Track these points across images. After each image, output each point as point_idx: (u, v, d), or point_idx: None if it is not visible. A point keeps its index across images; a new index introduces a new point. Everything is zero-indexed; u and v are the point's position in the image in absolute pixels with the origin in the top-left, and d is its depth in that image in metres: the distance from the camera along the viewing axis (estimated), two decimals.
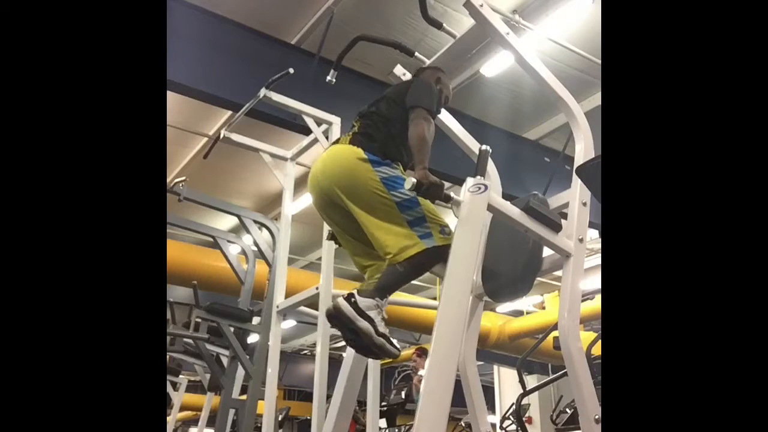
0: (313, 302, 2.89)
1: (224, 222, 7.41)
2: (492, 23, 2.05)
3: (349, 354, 2.13)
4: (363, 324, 1.77)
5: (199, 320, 4.05)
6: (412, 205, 1.91)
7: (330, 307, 1.82)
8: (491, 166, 2.41)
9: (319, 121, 3.34)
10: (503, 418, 6.17)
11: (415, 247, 1.85)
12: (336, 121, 3.33)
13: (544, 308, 9.82)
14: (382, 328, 1.80)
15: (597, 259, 7.15)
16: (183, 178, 4.07)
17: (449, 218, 1.85)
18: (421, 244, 1.85)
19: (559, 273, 2.01)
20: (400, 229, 1.88)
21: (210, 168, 6.25)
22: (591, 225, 2.10)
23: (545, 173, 5.96)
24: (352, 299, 1.79)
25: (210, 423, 5.37)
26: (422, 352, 6.47)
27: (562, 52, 5.07)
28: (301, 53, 5.05)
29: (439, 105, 2.12)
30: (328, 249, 2.84)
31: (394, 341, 1.82)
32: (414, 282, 2.11)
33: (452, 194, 1.72)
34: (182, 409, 7.27)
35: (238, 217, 4.31)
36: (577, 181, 2.06)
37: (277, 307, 3.09)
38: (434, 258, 1.89)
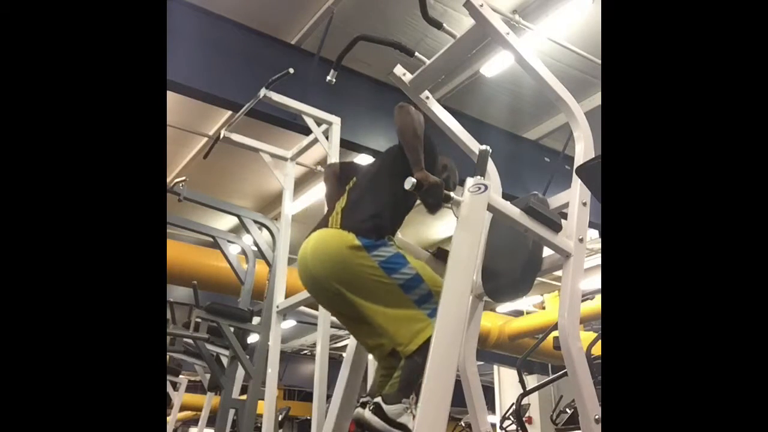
0: (313, 302, 2.89)
1: (224, 222, 7.41)
2: (492, 23, 2.05)
3: (349, 354, 2.13)
4: None
5: (199, 320, 4.05)
6: (417, 284, 1.86)
7: (356, 419, 1.73)
8: (491, 166, 2.40)
9: (319, 121, 3.34)
10: (503, 418, 6.17)
11: (427, 329, 1.78)
12: (336, 121, 3.33)
13: (544, 308, 9.82)
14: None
15: (597, 259, 7.15)
16: (183, 178, 4.07)
17: (449, 217, 1.84)
18: (432, 324, 1.76)
19: (559, 273, 2.01)
20: (407, 311, 1.82)
21: (210, 168, 6.25)
22: (591, 225, 2.10)
23: (545, 173, 5.96)
24: (381, 410, 1.71)
25: (210, 423, 5.38)
26: None
27: (562, 52, 5.08)
28: (301, 53, 5.05)
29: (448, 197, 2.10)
30: None
31: None
32: None
33: (452, 194, 1.72)
34: (182, 409, 7.28)
35: (238, 217, 4.32)
36: (577, 181, 2.06)
37: (277, 307, 3.09)
38: None
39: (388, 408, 1.71)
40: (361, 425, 1.72)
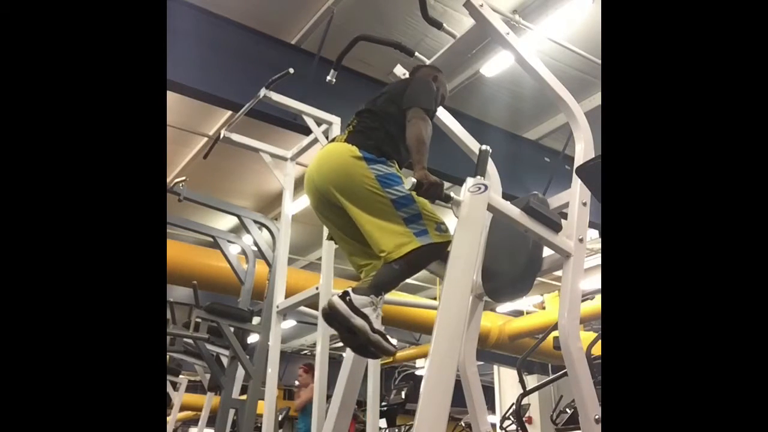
0: (313, 302, 2.89)
1: (224, 222, 7.41)
2: (492, 23, 2.05)
3: (349, 354, 2.13)
4: (358, 321, 1.76)
5: (199, 320, 4.05)
6: (408, 203, 1.91)
7: (325, 306, 1.82)
8: (491, 166, 2.41)
9: (319, 121, 3.34)
10: (503, 418, 6.17)
11: (411, 244, 1.85)
12: (336, 121, 3.33)
13: (544, 308, 9.82)
14: (377, 325, 1.80)
15: (597, 259, 7.15)
16: (183, 178, 4.07)
17: (449, 217, 1.85)
18: (417, 241, 1.85)
19: (559, 273, 2.01)
20: (395, 226, 1.88)
21: (210, 168, 6.24)
22: (591, 225, 2.10)
23: (545, 173, 5.95)
24: (347, 297, 1.79)
25: (210, 423, 5.37)
26: (309, 368, 5.87)
27: (562, 52, 5.07)
28: (301, 53, 5.05)
29: (437, 104, 2.13)
30: (328, 249, 2.84)
31: (391, 339, 1.82)
32: (414, 282, 2.11)
33: (452, 194, 1.72)
34: (182, 409, 7.27)
35: (238, 217, 4.32)
36: (577, 181, 2.06)
37: (277, 307, 3.09)
38: (430, 255, 1.89)
39: (355, 297, 1.79)
40: (328, 309, 1.80)
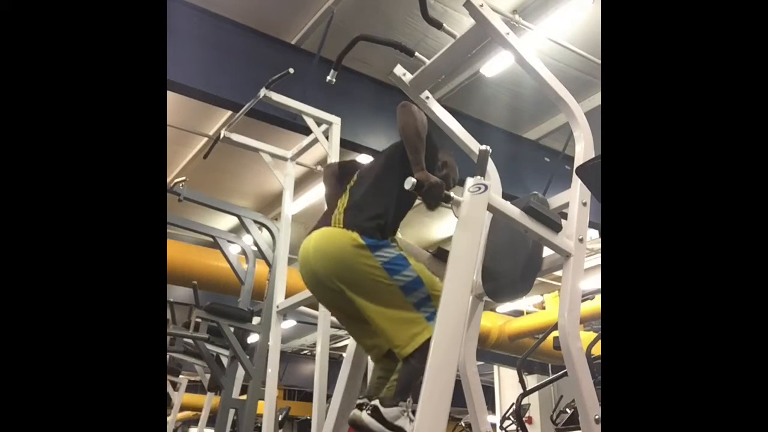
0: (313, 302, 2.89)
1: (224, 222, 7.41)
2: (492, 23, 2.05)
3: (349, 354, 2.13)
4: None
5: (199, 320, 4.05)
6: (417, 286, 1.86)
7: (353, 421, 1.74)
8: (491, 166, 2.40)
9: (319, 121, 3.34)
10: (503, 418, 6.18)
11: (425, 332, 1.79)
12: (336, 121, 3.33)
13: (544, 308, 9.82)
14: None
15: (597, 259, 7.15)
16: (183, 178, 4.07)
17: (448, 217, 1.84)
18: (430, 327, 1.79)
19: (559, 273, 2.01)
20: (406, 313, 1.83)
21: (210, 168, 6.25)
22: (591, 225, 2.10)
23: (545, 173, 5.96)
24: (377, 412, 1.71)
25: (210, 423, 5.38)
26: None
27: (562, 52, 5.07)
28: (301, 53, 5.05)
29: (449, 188, 2.10)
30: None
31: None
32: None
33: (452, 194, 1.72)
34: (182, 409, 7.28)
35: (238, 217, 4.32)
36: (577, 181, 2.06)
37: (277, 307, 3.09)
38: None
39: (385, 411, 1.72)
40: (359, 427, 1.72)
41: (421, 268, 1.94)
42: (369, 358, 2.20)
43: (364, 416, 1.71)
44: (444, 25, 2.24)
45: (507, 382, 10.45)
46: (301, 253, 2.01)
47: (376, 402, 1.74)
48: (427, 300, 1.86)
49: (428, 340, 1.74)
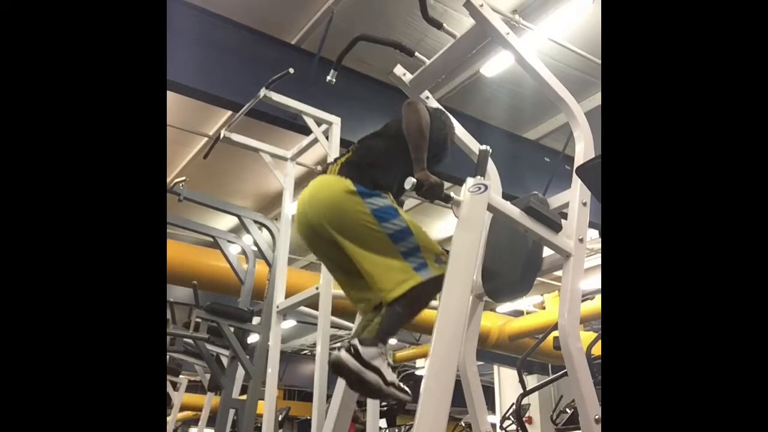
0: (313, 302, 2.89)
1: (224, 222, 7.41)
2: (492, 23, 2.05)
3: None
4: (371, 376, 1.72)
5: (199, 320, 4.05)
6: (405, 236, 1.86)
7: (333, 360, 1.76)
8: (491, 166, 2.41)
9: (319, 121, 3.34)
10: (503, 418, 6.18)
11: (411, 280, 1.80)
12: (336, 121, 3.33)
13: (544, 308, 9.82)
14: (389, 376, 1.75)
15: (597, 259, 7.15)
16: (183, 178, 4.07)
17: (448, 218, 1.85)
18: (417, 276, 1.80)
19: (559, 273, 2.01)
20: (394, 261, 1.83)
21: (210, 168, 6.24)
22: (591, 225, 2.10)
23: (545, 173, 5.96)
24: (355, 350, 1.73)
25: (210, 423, 5.37)
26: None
27: (562, 52, 5.07)
28: (301, 53, 5.05)
29: (445, 141, 2.12)
30: None
31: (404, 386, 1.78)
32: None
33: (452, 194, 1.72)
34: (182, 409, 7.28)
35: (238, 217, 4.32)
36: (577, 181, 2.06)
37: (277, 307, 3.09)
38: (432, 290, 1.82)
39: (363, 350, 1.74)
40: (338, 366, 1.74)
41: (412, 222, 1.95)
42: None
43: (343, 354, 1.74)
44: (444, 25, 2.24)
45: (507, 382, 10.45)
46: (298, 203, 2.05)
47: (356, 341, 1.77)
48: (416, 250, 1.86)
49: (414, 288, 1.78)
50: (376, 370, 1.73)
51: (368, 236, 1.86)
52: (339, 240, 1.90)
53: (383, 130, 2.15)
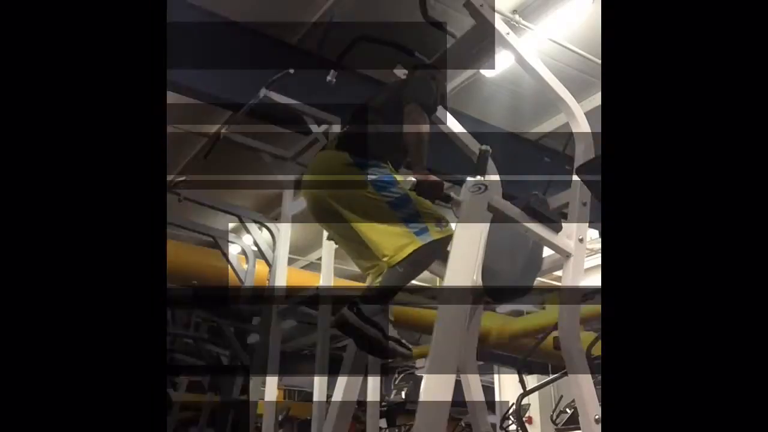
0: (313, 302, 2.89)
1: (224, 222, 7.40)
2: (492, 23, 2.05)
3: (349, 354, 2.13)
4: (371, 331, 1.79)
5: (199, 320, 4.05)
6: (405, 203, 1.92)
7: (336, 318, 1.83)
8: (491, 166, 2.40)
9: (319, 121, 3.34)
10: (503, 418, 6.17)
11: (412, 244, 1.85)
12: (336, 121, 3.33)
13: (544, 308, 9.80)
14: (390, 331, 1.82)
15: (597, 259, 7.14)
16: (183, 178, 4.07)
17: (448, 217, 1.85)
18: (417, 240, 1.86)
19: (559, 273, 2.01)
20: (395, 227, 1.89)
21: (210, 168, 6.23)
22: (591, 225, 2.10)
23: (545, 173, 5.95)
24: (356, 307, 1.80)
25: (210, 423, 5.36)
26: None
27: (562, 52, 5.07)
28: (301, 53, 5.04)
29: (436, 103, 2.13)
30: (328, 249, 2.84)
31: (404, 341, 1.84)
32: (414, 282, 2.11)
33: (452, 194, 1.72)
34: (182, 409, 7.26)
35: (238, 217, 4.32)
36: (577, 181, 2.06)
37: (277, 307, 3.09)
38: (432, 253, 1.90)
39: (365, 307, 1.81)
40: (342, 323, 1.81)
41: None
42: (371, 358, 2.23)
43: (345, 311, 1.81)
44: (444, 24, 2.24)
45: (507, 382, 10.44)
46: (303, 181, 2.16)
47: (357, 300, 1.84)
48: (416, 216, 1.91)
49: (415, 252, 1.84)
50: (377, 326, 1.80)
51: (369, 206, 1.92)
52: (341, 211, 1.97)
53: (372, 101, 2.18)
